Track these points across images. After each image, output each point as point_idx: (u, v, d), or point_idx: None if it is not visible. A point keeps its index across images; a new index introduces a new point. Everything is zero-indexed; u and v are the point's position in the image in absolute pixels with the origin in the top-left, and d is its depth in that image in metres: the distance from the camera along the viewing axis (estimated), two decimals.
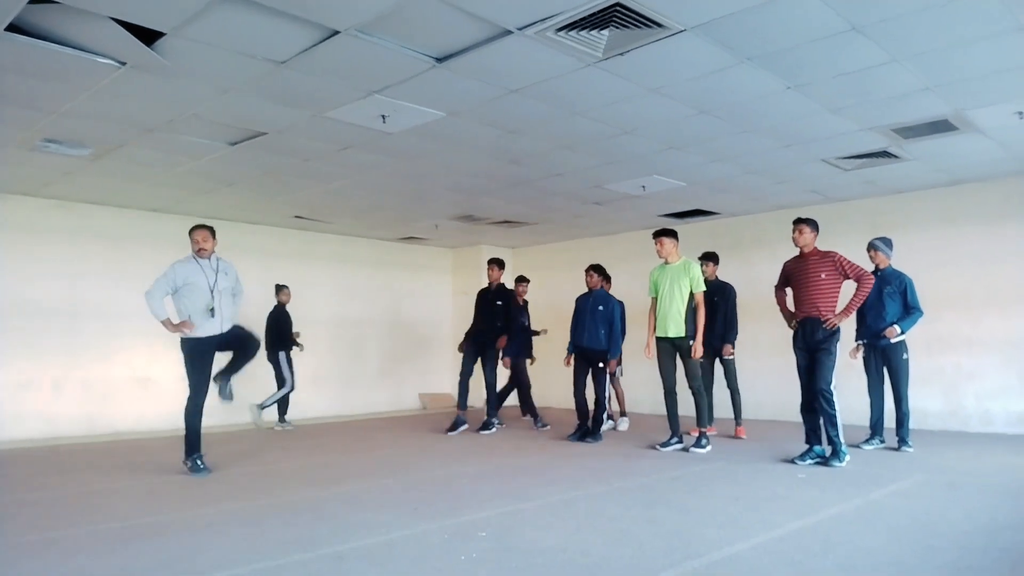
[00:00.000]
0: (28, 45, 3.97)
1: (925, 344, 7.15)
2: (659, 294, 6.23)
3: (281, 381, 8.27)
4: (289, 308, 8.45)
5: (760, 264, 8.56)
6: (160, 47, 4.06)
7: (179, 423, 5.31)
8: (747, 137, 5.93)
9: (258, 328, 6.05)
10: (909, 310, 6.05)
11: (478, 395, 8.12)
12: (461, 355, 7.87)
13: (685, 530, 3.49)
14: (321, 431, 8.13)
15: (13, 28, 3.79)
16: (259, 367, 8.03)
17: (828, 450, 5.37)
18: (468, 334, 7.95)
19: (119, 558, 3.12)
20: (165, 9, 3.63)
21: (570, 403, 7.25)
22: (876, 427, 6.27)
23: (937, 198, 7.73)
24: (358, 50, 4.15)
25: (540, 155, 6.44)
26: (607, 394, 7.03)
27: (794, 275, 5.62)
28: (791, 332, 5.64)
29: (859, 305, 5.51)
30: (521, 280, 8.65)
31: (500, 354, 7.92)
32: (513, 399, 8.54)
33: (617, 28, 3.91)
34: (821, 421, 5.39)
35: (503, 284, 7.98)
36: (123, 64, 4.28)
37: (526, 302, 8.62)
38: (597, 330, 6.93)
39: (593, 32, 3.96)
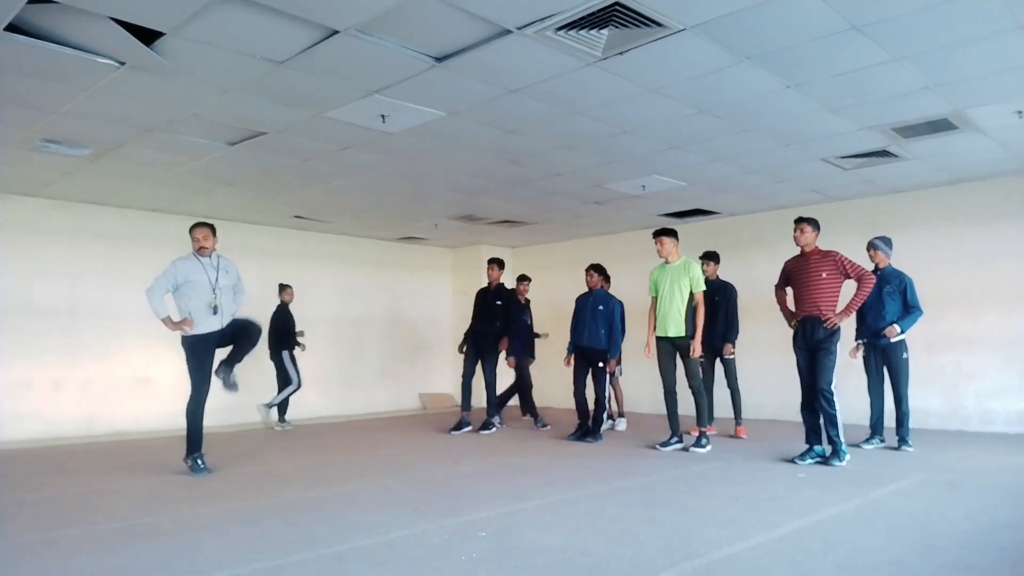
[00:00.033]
0: (27, 45, 3.97)
1: (925, 343, 7.15)
2: (659, 294, 6.23)
3: (285, 381, 8.33)
4: (290, 308, 8.49)
5: (760, 263, 8.56)
6: (159, 47, 4.06)
7: (179, 423, 5.32)
8: (746, 136, 5.93)
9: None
10: (909, 309, 6.06)
11: (482, 396, 8.12)
12: (462, 356, 7.88)
13: (685, 530, 3.49)
14: (321, 431, 8.13)
15: (12, 28, 3.79)
16: (263, 364, 8.09)
17: (828, 450, 5.37)
18: (467, 334, 7.95)
19: (119, 558, 3.12)
20: (164, 9, 3.63)
21: (570, 403, 7.25)
22: (876, 426, 6.27)
23: (937, 197, 7.73)
24: (358, 50, 4.15)
25: (540, 155, 6.44)
26: (607, 394, 7.04)
27: (795, 274, 5.62)
28: (791, 331, 5.64)
29: (860, 305, 5.52)
30: (523, 279, 8.64)
31: (504, 354, 7.94)
32: (514, 398, 8.54)
33: (616, 27, 3.91)
34: (821, 421, 5.39)
35: (503, 284, 7.98)
36: (122, 64, 4.28)
37: (528, 301, 8.62)
38: (597, 330, 6.94)
39: (592, 31, 3.96)
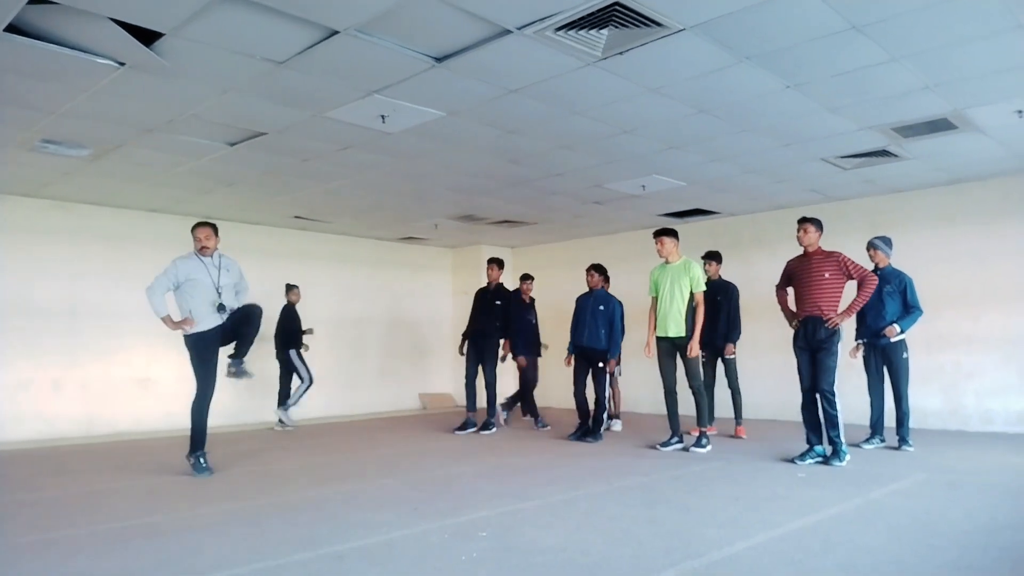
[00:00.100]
0: (27, 45, 3.97)
1: (925, 343, 7.16)
2: (659, 294, 6.23)
3: (288, 380, 8.44)
4: (296, 308, 8.55)
5: (760, 263, 8.56)
6: (159, 47, 4.06)
7: (179, 423, 5.33)
8: (746, 136, 5.93)
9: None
10: (909, 309, 6.06)
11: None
12: (463, 358, 7.88)
13: (685, 530, 3.49)
14: (321, 431, 8.14)
15: (12, 28, 3.78)
16: (268, 362, 8.11)
17: (828, 450, 5.37)
18: (465, 335, 7.95)
19: (119, 558, 3.12)
20: (164, 9, 3.63)
21: (570, 403, 7.26)
22: (876, 426, 6.27)
23: (936, 197, 7.73)
24: (357, 50, 4.15)
25: (540, 155, 6.44)
26: (607, 394, 7.04)
27: (797, 274, 5.62)
28: (791, 332, 5.64)
29: (861, 306, 5.52)
30: (526, 278, 8.65)
31: (511, 355, 7.97)
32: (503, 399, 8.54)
33: (616, 27, 3.91)
34: (822, 420, 5.39)
35: (502, 284, 7.98)
36: (122, 64, 4.28)
37: (533, 299, 8.63)
38: (598, 330, 6.94)
39: (592, 31, 3.96)
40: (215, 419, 5.31)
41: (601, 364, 6.90)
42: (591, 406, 7.05)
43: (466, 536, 3.38)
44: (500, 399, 8.11)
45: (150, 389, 8.28)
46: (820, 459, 5.36)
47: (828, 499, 4.14)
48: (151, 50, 4.07)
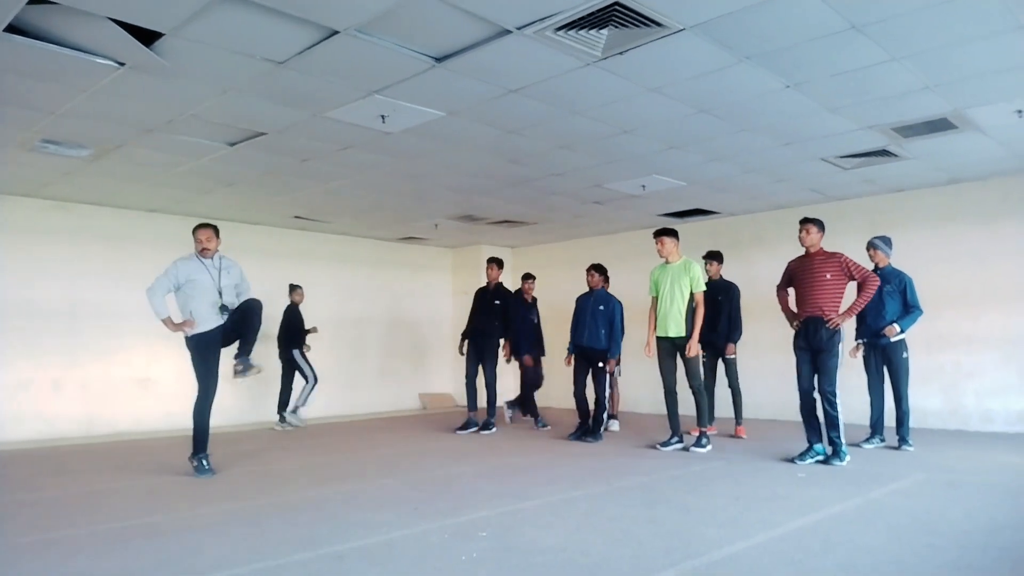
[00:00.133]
0: (27, 46, 3.97)
1: (925, 343, 7.15)
2: (659, 294, 6.23)
3: (289, 380, 8.49)
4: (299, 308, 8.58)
5: (760, 263, 8.57)
6: (159, 47, 4.06)
7: (179, 423, 5.33)
8: (746, 136, 5.93)
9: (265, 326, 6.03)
10: (909, 309, 6.06)
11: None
12: (463, 358, 7.88)
13: (685, 529, 3.49)
14: (321, 431, 8.14)
15: (12, 29, 3.78)
16: (269, 363, 8.11)
17: (829, 449, 5.37)
18: (465, 334, 7.95)
19: (119, 558, 3.12)
20: (164, 9, 3.63)
21: (570, 403, 7.26)
22: (876, 426, 6.27)
23: (936, 196, 7.73)
24: (357, 50, 4.15)
25: (540, 155, 6.44)
26: (607, 394, 7.04)
27: (798, 275, 5.61)
28: (791, 331, 5.64)
29: (863, 307, 5.52)
30: (527, 277, 8.66)
31: (512, 357, 7.98)
32: (504, 399, 8.56)
33: (616, 27, 3.91)
34: (821, 420, 5.39)
35: (501, 283, 7.98)
36: (122, 64, 4.28)
37: (535, 299, 8.64)
38: (598, 329, 6.94)
39: (592, 31, 3.96)
40: (215, 419, 5.31)
41: (601, 364, 6.90)
42: (591, 406, 7.05)
43: (466, 536, 3.38)
44: (504, 398, 8.14)
45: (150, 389, 8.28)
46: (820, 458, 5.36)
47: (828, 499, 4.14)
48: (151, 50, 4.07)
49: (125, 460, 6.02)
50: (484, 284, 8.09)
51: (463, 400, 8.14)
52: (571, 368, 7.14)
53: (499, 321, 7.76)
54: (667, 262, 6.27)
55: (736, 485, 4.63)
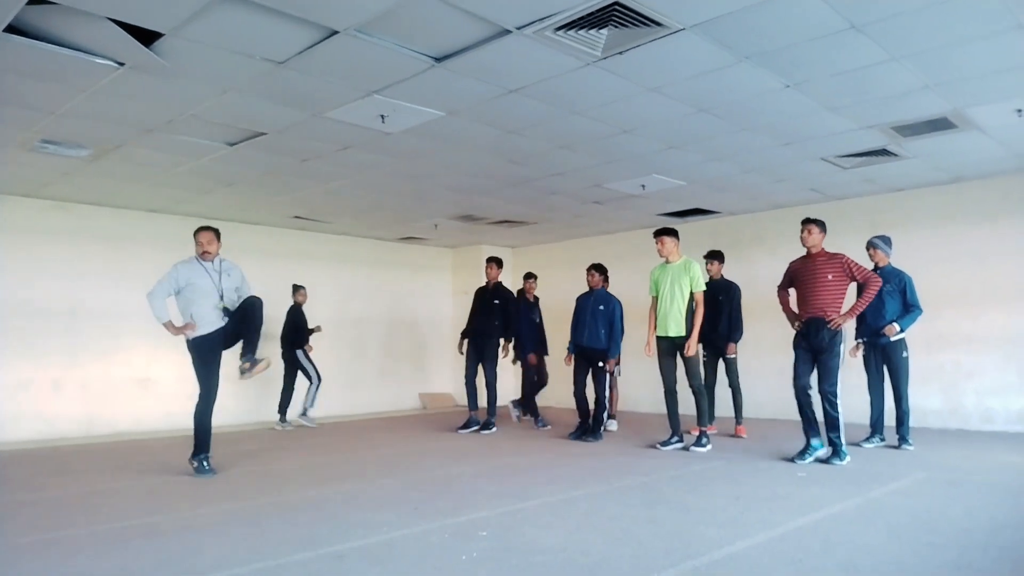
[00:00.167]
0: (26, 46, 3.97)
1: (925, 342, 7.15)
2: (660, 293, 6.23)
3: (292, 380, 8.52)
4: (288, 309, 8.56)
5: (760, 263, 8.57)
6: (159, 47, 4.06)
7: (179, 423, 5.33)
8: (746, 136, 5.93)
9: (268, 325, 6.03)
10: (908, 308, 6.06)
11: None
12: (462, 357, 7.89)
13: (685, 529, 3.49)
14: (321, 431, 8.14)
15: (11, 29, 3.78)
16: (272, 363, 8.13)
17: (828, 451, 5.37)
18: (464, 334, 7.96)
19: (119, 558, 3.12)
20: (163, 9, 3.63)
21: (570, 402, 7.26)
22: (876, 425, 6.28)
23: (936, 196, 7.73)
24: (357, 50, 4.15)
25: (539, 154, 6.44)
26: (606, 393, 7.04)
27: (800, 275, 5.61)
28: (792, 331, 5.64)
29: (864, 307, 5.52)
30: (529, 276, 8.67)
31: (516, 356, 7.99)
32: (505, 399, 8.57)
33: (616, 27, 3.91)
34: (820, 419, 5.39)
35: (501, 283, 7.98)
36: (121, 65, 4.28)
37: (537, 298, 8.66)
38: (598, 329, 6.94)
39: (592, 31, 3.96)
40: (216, 419, 5.30)
41: (601, 364, 6.90)
42: (591, 405, 7.05)
43: (466, 536, 3.38)
44: (509, 399, 8.15)
45: (150, 389, 8.28)
46: (820, 454, 5.35)
47: (828, 498, 4.14)
48: (151, 50, 4.07)
49: (125, 460, 6.02)
50: (484, 284, 8.09)
51: (463, 400, 8.15)
52: (571, 368, 7.14)
53: (499, 321, 7.76)
54: (667, 262, 6.27)
55: (736, 485, 4.63)
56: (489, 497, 4.28)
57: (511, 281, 10.32)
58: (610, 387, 7.41)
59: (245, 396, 8.65)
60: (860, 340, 6.26)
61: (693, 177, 7.28)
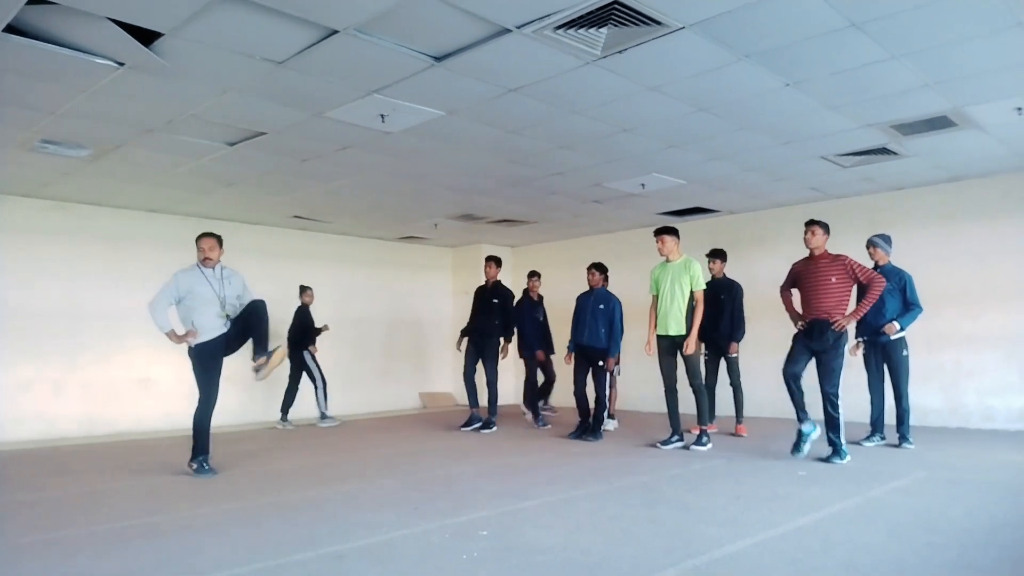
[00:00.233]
0: (26, 46, 3.97)
1: (925, 341, 7.15)
2: (660, 292, 6.23)
3: (296, 380, 8.60)
4: (290, 308, 8.57)
5: (760, 261, 8.57)
6: (158, 47, 4.05)
7: (179, 423, 5.33)
8: (745, 135, 5.93)
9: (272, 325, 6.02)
10: (909, 306, 6.06)
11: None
12: (461, 355, 7.89)
13: (686, 528, 3.49)
14: (321, 431, 8.14)
15: (11, 29, 3.78)
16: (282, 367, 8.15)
17: (819, 431, 5.35)
18: (464, 332, 7.96)
19: (119, 558, 3.12)
20: (163, 9, 3.63)
21: (570, 402, 7.25)
22: (877, 424, 6.27)
23: (936, 194, 7.72)
24: (357, 50, 4.14)
25: (539, 154, 6.44)
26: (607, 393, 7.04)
27: (803, 278, 5.60)
28: (792, 329, 5.64)
29: (868, 309, 5.50)
30: (533, 275, 8.68)
31: (521, 354, 8.00)
32: (505, 397, 8.57)
33: (615, 26, 3.91)
34: (820, 417, 5.40)
35: (500, 282, 7.98)
36: (121, 65, 4.28)
37: (541, 297, 8.66)
38: (598, 328, 6.93)
39: (591, 30, 3.96)
40: (217, 419, 5.30)
41: (601, 363, 6.90)
42: (591, 405, 7.05)
43: (466, 536, 3.38)
44: (509, 399, 8.15)
45: (150, 389, 8.28)
46: (814, 436, 5.36)
47: (828, 497, 4.14)
48: (151, 50, 4.07)
49: (125, 460, 6.02)
50: (483, 283, 8.09)
51: (464, 399, 8.15)
52: (571, 367, 7.14)
53: (499, 320, 7.76)
54: (667, 260, 6.26)
55: (736, 484, 4.63)
56: (489, 497, 4.28)
57: (512, 280, 10.32)
58: (609, 386, 7.41)
59: (245, 396, 8.65)
60: (860, 339, 6.26)
61: (693, 176, 7.28)
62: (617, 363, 7.46)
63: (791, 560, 2.95)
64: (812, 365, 5.51)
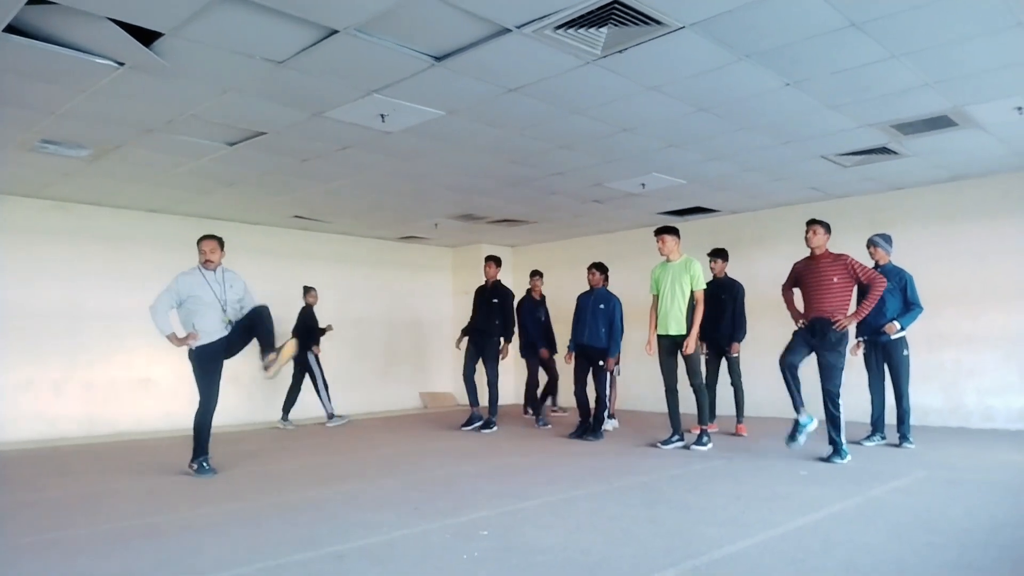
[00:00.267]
0: (26, 46, 3.97)
1: (925, 340, 7.15)
2: (660, 292, 6.23)
3: (299, 380, 8.59)
4: (290, 307, 8.56)
5: (760, 261, 8.56)
6: (158, 47, 4.05)
7: (180, 423, 5.33)
8: (746, 134, 5.93)
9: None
10: (909, 306, 6.06)
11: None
12: (461, 354, 7.88)
13: (686, 528, 3.49)
14: (321, 431, 8.14)
15: (11, 29, 3.78)
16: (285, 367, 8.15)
17: (816, 423, 5.36)
18: (464, 331, 7.96)
19: (120, 558, 3.12)
20: (163, 9, 3.63)
21: (570, 402, 7.25)
22: (877, 424, 6.27)
23: (936, 194, 7.72)
24: (357, 49, 4.14)
25: (539, 154, 6.44)
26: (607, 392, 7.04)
27: (804, 277, 5.60)
28: (792, 327, 5.63)
29: (870, 309, 5.49)
30: (535, 274, 8.68)
31: (522, 354, 8.00)
32: (506, 397, 8.57)
33: (615, 26, 3.91)
34: (821, 417, 5.40)
35: (499, 281, 7.98)
36: (121, 65, 4.28)
37: (543, 296, 8.66)
38: (598, 328, 6.93)
39: (592, 30, 3.96)
40: (216, 419, 5.30)
41: (601, 363, 6.90)
42: (591, 404, 7.05)
43: (467, 536, 3.38)
44: (509, 399, 8.14)
45: (151, 389, 8.28)
46: (811, 428, 5.35)
47: (829, 497, 4.14)
48: (151, 50, 4.07)
49: (126, 460, 6.03)
50: (483, 282, 8.09)
51: (464, 399, 8.15)
52: (571, 367, 7.14)
53: (498, 320, 7.76)
54: (668, 260, 6.26)
55: (737, 484, 4.63)
56: (489, 497, 4.28)
57: (513, 280, 10.32)
58: (610, 386, 7.41)
59: (246, 396, 8.65)
60: (861, 338, 6.26)
61: (693, 176, 7.28)
62: (617, 363, 7.46)
63: (791, 560, 2.95)
64: (811, 362, 5.51)
